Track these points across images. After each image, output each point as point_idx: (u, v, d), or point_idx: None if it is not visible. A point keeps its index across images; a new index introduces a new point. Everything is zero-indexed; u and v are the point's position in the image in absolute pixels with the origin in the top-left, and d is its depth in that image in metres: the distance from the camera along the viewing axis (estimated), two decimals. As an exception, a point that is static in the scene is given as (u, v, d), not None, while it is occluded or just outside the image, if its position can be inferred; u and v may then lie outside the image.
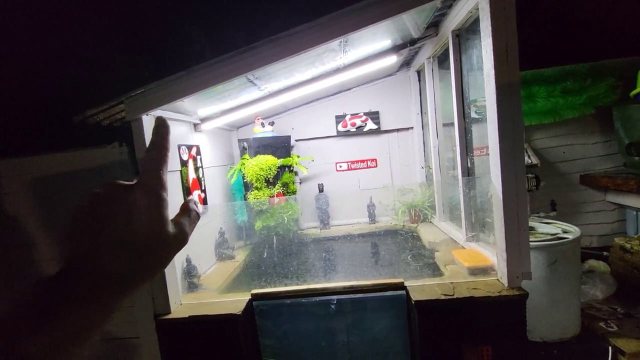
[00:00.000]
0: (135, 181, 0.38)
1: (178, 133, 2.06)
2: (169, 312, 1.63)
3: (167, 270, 1.64)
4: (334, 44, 1.78)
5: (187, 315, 1.60)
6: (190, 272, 1.91)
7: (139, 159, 1.63)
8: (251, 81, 1.91)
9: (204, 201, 2.26)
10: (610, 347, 1.97)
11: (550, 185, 2.74)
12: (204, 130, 2.36)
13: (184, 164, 2.01)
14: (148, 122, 1.65)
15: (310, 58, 1.86)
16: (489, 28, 1.36)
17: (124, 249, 0.34)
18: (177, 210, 0.42)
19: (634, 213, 2.67)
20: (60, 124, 2.06)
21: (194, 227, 0.42)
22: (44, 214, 1.84)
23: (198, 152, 2.22)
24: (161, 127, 0.41)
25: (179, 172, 1.95)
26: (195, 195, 2.12)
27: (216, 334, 1.58)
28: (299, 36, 1.39)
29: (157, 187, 0.37)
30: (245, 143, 2.67)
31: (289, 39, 1.38)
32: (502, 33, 1.34)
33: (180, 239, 0.39)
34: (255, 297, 1.68)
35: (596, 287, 2.42)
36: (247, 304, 1.65)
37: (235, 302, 1.66)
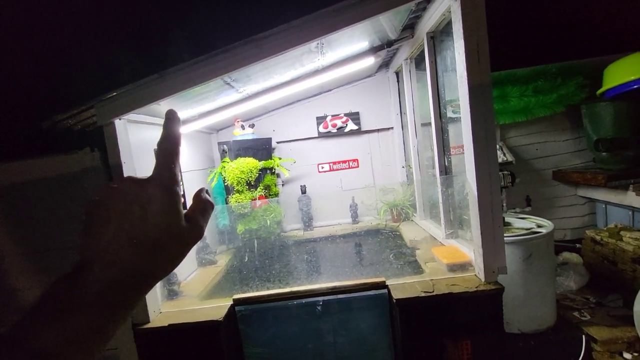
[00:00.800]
0: (147, 177, 0.37)
1: (154, 137, 2.01)
2: (148, 322, 1.59)
3: (145, 279, 1.59)
4: (312, 45, 1.78)
5: (166, 324, 1.56)
6: (169, 279, 1.86)
7: (112, 165, 1.58)
8: (228, 83, 1.89)
9: (184, 206, 2.21)
10: (583, 336, 2.06)
11: (525, 182, 2.84)
12: (183, 134, 2.31)
13: (161, 168, 1.96)
14: (121, 126, 1.60)
15: (288, 60, 1.86)
16: (461, 30, 1.39)
17: (140, 245, 0.34)
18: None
19: (603, 206, 2.80)
20: (28, 130, 1.97)
21: (209, 218, 0.41)
22: (12, 224, 1.76)
23: (176, 156, 2.18)
24: (172, 119, 0.40)
25: (156, 177, 1.90)
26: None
27: (197, 341, 1.55)
28: (275, 38, 1.38)
29: (171, 182, 0.37)
30: (225, 146, 2.63)
31: (264, 41, 1.37)
32: (473, 35, 1.38)
33: (195, 234, 0.38)
34: (238, 302, 1.66)
35: (570, 279, 2.52)
36: (229, 309, 1.63)
37: (217, 308, 1.63)
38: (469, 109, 1.39)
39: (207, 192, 0.42)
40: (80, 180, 1.69)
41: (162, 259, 0.35)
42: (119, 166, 1.58)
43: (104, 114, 1.55)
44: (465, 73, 1.40)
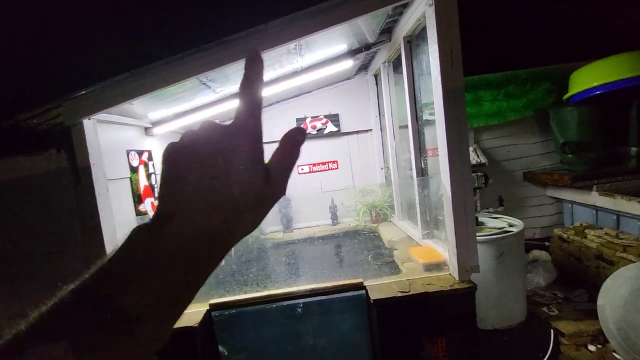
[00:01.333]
0: (231, 122, 0.32)
1: (126, 138, 1.94)
2: (119, 330, 1.52)
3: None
4: (290, 46, 1.78)
5: (138, 332, 1.50)
6: (143, 285, 1.80)
7: (80, 167, 1.51)
8: (205, 83, 1.85)
9: (159, 209, 2.15)
10: (552, 330, 2.16)
11: (498, 183, 2.94)
12: (157, 135, 2.25)
13: (134, 170, 1.90)
14: (90, 126, 1.54)
15: (267, 60, 1.84)
16: (435, 35, 1.43)
17: (222, 204, 0.30)
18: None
19: (569, 206, 2.95)
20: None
21: (290, 173, 0.34)
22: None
23: (150, 158, 2.11)
24: (255, 60, 0.34)
25: (128, 180, 1.84)
26: (148, 203, 2.01)
27: (171, 350, 1.50)
28: (251, 39, 1.37)
29: (257, 130, 0.32)
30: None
31: (239, 41, 1.35)
32: (447, 40, 1.42)
33: (277, 191, 0.33)
34: (214, 307, 1.63)
35: (539, 275, 2.63)
36: (205, 314, 1.59)
37: (192, 314, 1.59)
38: (443, 112, 1.43)
39: (300, 134, 0.35)
40: (45, 184, 1.60)
41: (240, 221, 0.31)
42: (87, 168, 1.51)
43: (71, 113, 1.48)
44: (439, 77, 1.43)
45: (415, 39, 1.96)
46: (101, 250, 1.53)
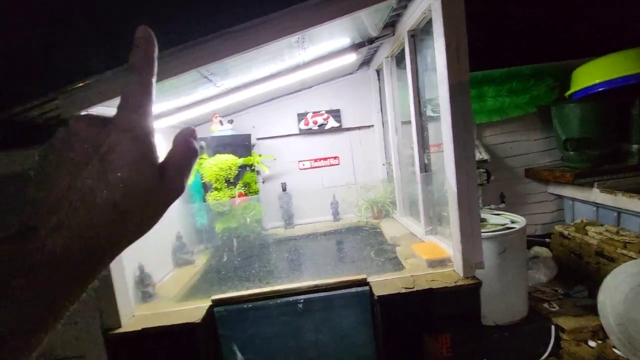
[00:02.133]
0: (110, 117, 0.28)
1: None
2: (120, 326, 1.51)
3: (117, 280, 1.51)
4: (292, 39, 1.75)
5: (140, 328, 1.49)
6: (143, 281, 1.78)
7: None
8: (206, 77, 1.82)
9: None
10: (553, 326, 2.16)
11: (500, 179, 2.94)
12: (157, 129, 2.21)
13: (133, 165, 1.87)
14: (89, 120, 1.50)
15: (269, 54, 1.81)
16: (441, 29, 1.40)
17: (98, 207, 0.26)
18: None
19: (571, 202, 2.95)
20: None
21: (191, 169, 0.32)
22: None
23: (150, 152, 2.08)
24: (144, 41, 0.30)
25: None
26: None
27: (173, 345, 1.49)
28: (253, 31, 1.34)
29: (142, 128, 0.28)
30: (203, 142, 2.55)
31: (240, 33, 1.32)
32: (453, 33, 1.39)
33: (173, 191, 0.30)
34: (216, 302, 1.61)
35: (540, 272, 2.63)
36: (208, 310, 1.57)
37: (194, 310, 1.57)
38: (448, 107, 1.41)
39: (192, 134, 0.33)
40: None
41: (127, 224, 0.28)
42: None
43: (69, 106, 1.45)
44: (445, 71, 1.41)
45: (420, 33, 1.93)
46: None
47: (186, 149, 0.32)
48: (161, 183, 0.29)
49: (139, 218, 0.29)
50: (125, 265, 1.59)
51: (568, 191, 2.88)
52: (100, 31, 1.42)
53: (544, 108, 2.90)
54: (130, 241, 0.29)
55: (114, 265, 1.49)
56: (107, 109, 1.71)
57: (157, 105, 2.06)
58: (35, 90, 1.48)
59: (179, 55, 1.33)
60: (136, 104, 0.29)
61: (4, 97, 1.55)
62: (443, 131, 1.48)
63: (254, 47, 1.33)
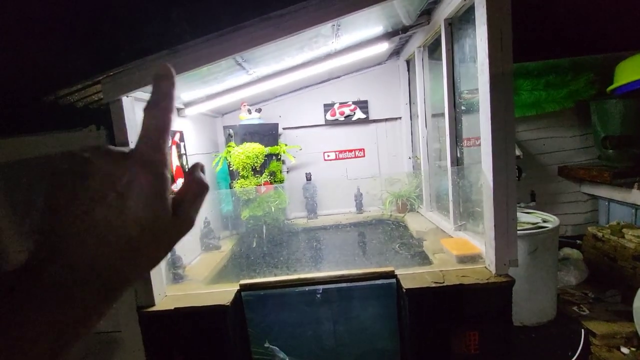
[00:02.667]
0: (128, 150, 0.29)
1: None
2: (153, 305, 1.57)
3: (151, 261, 1.56)
4: (327, 28, 1.73)
5: (172, 308, 1.54)
6: (175, 263, 1.84)
7: (119, 144, 1.53)
8: (240, 64, 1.82)
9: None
10: (583, 330, 2.09)
11: (531, 177, 2.83)
12: (188, 116, 2.26)
13: (166, 150, 1.91)
14: (128, 104, 1.54)
15: (302, 42, 1.80)
16: (484, 16, 1.35)
17: (112, 243, 0.26)
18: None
19: (606, 203, 2.82)
20: (28, 105, 1.90)
21: (201, 204, 0.33)
22: (9, 203, 1.70)
23: (182, 139, 2.12)
24: (164, 79, 0.31)
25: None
26: (180, 183, 2.03)
27: (204, 325, 1.53)
28: (293, 16, 1.32)
29: (158, 163, 0.29)
30: (231, 130, 2.58)
31: (281, 19, 1.31)
32: (497, 21, 1.34)
33: (185, 225, 0.31)
34: (244, 287, 1.64)
35: (570, 274, 2.54)
36: (236, 294, 1.61)
37: (224, 293, 1.61)
38: (489, 98, 1.36)
39: (202, 169, 0.34)
40: (84, 159, 1.63)
41: (139, 258, 0.28)
42: (125, 145, 1.53)
43: (110, 90, 1.49)
44: (487, 60, 1.36)
45: (458, 22, 1.86)
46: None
47: (199, 186, 0.33)
48: (174, 219, 0.30)
49: (151, 253, 0.29)
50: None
51: (604, 191, 2.75)
52: (145, 16, 1.45)
53: (582, 103, 2.75)
54: (140, 275, 0.29)
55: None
56: (147, 94, 1.75)
57: (189, 93, 2.10)
58: (78, 75, 1.53)
59: (219, 41, 1.34)
60: (155, 140, 0.29)
61: (49, 81, 1.61)
62: (481, 123, 1.43)
63: (294, 32, 1.32)
